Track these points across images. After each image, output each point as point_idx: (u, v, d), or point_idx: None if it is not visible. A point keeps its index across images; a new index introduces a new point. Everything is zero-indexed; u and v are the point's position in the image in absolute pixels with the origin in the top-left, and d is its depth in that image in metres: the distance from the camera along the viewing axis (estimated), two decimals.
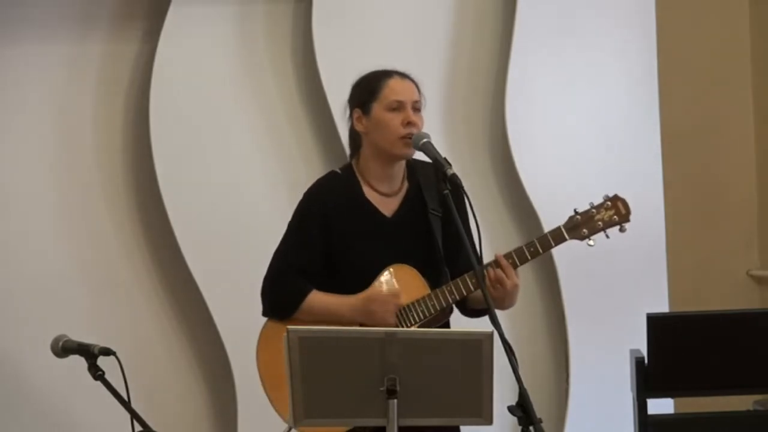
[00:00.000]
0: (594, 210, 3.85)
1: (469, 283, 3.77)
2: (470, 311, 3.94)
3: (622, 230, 3.87)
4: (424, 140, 3.72)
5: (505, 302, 3.79)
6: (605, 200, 3.87)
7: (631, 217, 3.88)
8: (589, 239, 3.85)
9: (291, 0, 5.36)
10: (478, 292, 3.76)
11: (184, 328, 5.32)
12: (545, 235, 3.85)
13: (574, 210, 3.85)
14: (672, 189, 5.64)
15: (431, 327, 3.82)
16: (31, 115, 5.16)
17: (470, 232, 3.69)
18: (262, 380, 3.83)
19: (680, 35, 5.75)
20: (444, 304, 3.80)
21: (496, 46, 5.50)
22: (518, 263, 3.79)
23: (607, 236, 3.86)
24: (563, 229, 3.84)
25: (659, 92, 5.56)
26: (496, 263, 3.76)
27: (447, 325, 3.91)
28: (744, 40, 5.85)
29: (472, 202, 3.61)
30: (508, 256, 3.78)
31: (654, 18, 5.56)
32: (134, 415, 3.41)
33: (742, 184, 5.87)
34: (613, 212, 3.86)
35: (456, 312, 3.94)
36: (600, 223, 3.85)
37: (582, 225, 3.85)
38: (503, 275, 3.74)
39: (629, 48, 5.55)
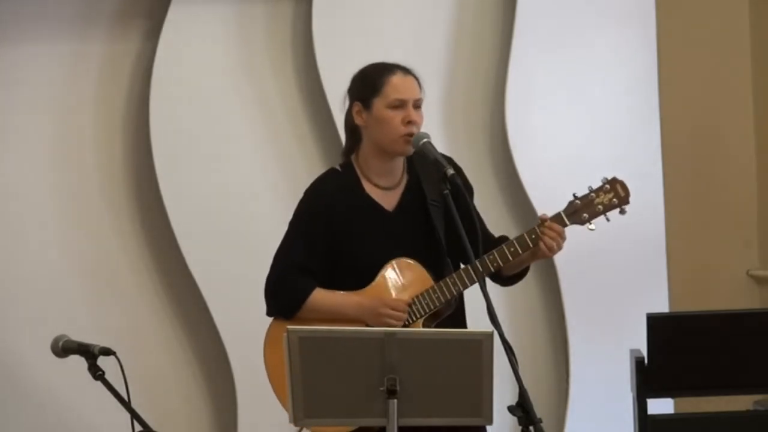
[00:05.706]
0: (593, 194, 3.85)
1: (473, 274, 3.77)
2: (506, 278, 3.96)
3: (622, 212, 3.86)
4: (424, 140, 3.73)
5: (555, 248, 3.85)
6: (604, 183, 3.87)
7: (632, 207, 3.88)
8: (590, 223, 3.85)
9: (291, 0, 5.36)
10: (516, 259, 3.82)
11: (184, 327, 5.32)
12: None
13: (573, 195, 3.85)
14: (672, 189, 5.64)
15: (438, 319, 3.83)
16: (31, 115, 5.16)
17: (472, 227, 3.68)
18: (271, 383, 3.81)
19: (680, 35, 5.74)
20: (449, 296, 3.80)
21: (496, 45, 5.50)
22: (567, 223, 3.83)
23: (608, 219, 3.85)
24: (563, 215, 3.84)
25: (659, 92, 5.56)
26: (543, 221, 3.80)
27: (462, 314, 3.90)
28: (744, 40, 5.84)
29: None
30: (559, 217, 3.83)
31: (654, 18, 5.55)
32: (134, 415, 3.41)
33: (742, 185, 5.85)
34: (612, 195, 3.85)
35: (465, 310, 3.94)
36: (600, 206, 3.85)
37: (582, 209, 3.84)
38: (561, 228, 3.80)
39: (629, 48, 5.55)
